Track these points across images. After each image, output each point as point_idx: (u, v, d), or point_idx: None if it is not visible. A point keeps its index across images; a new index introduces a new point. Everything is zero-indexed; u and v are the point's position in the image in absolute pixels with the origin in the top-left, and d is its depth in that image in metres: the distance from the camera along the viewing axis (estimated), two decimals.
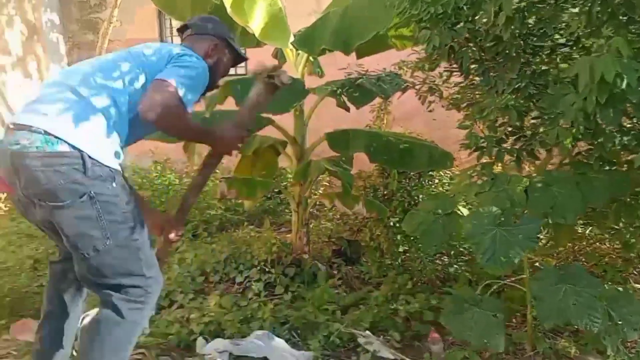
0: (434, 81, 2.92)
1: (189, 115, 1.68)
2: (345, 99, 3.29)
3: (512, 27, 1.79)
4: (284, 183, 4.40)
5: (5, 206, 4.61)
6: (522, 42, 1.88)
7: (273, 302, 2.68)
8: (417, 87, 2.91)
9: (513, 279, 2.28)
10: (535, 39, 1.87)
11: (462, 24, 1.93)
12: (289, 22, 2.86)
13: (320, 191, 4.47)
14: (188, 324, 2.39)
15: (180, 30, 2.03)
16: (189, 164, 4.75)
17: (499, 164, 2.22)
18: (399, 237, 3.54)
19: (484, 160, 2.12)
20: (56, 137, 1.47)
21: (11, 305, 2.79)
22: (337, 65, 3.31)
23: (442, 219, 1.90)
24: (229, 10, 2.69)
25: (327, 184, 4.73)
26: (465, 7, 1.89)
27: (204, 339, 2.28)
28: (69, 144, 1.47)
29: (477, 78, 2.18)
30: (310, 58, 3.12)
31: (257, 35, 2.80)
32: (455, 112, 2.65)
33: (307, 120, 3.17)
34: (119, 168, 1.61)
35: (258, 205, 4.41)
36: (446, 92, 2.91)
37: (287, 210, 4.75)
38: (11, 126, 1.54)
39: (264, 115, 2.81)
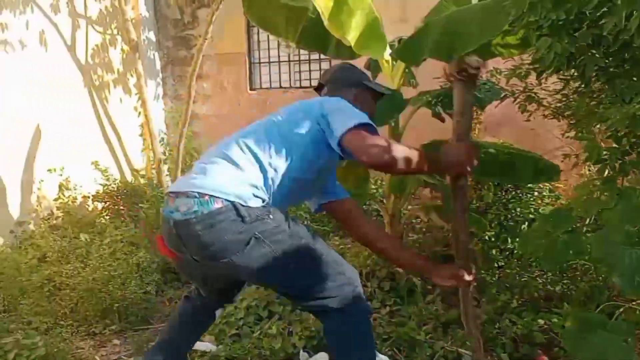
0: (532, 89, 2.80)
1: (392, 144, 1.65)
2: (441, 109, 3.22)
3: None
4: (375, 193, 4.36)
5: (107, 215, 4.91)
6: None
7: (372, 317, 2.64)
8: (515, 95, 2.81)
9: (637, 301, 2.11)
10: None
11: (585, 29, 1.81)
12: None
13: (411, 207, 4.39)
14: (290, 336, 2.40)
15: (318, 89, 2.05)
16: None
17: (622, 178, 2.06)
18: (494, 251, 3.41)
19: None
20: (209, 196, 1.54)
21: (120, 311, 2.94)
22: (432, 74, 3.25)
23: (563, 238, 1.79)
24: (326, 23, 2.72)
25: (417, 198, 4.64)
26: (588, 12, 1.78)
27: (306, 353, 2.28)
28: (220, 199, 1.54)
29: (597, 86, 2.05)
30: (406, 69, 3.08)
31: (353, 46, 2.79)
32: (548, 122, 2.51)
33: (402, 131, 3.13)
34: (270, 203, 1.65)
35: None
36: (546, 100, 2.79)
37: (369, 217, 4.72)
38: (171, 195, 1.64)
39: None
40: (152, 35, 6.48)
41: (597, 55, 1.88)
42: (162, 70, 6.62)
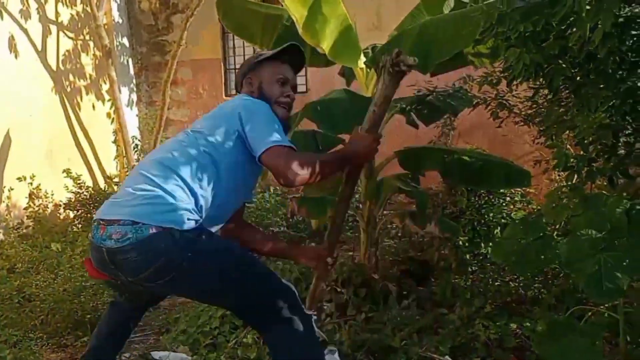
0: (504, 96, 2.86)
1: (312, 157, 1.73)
2: (415, 116, 3.26)
3: (609, 44, 1.71)
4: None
5: (79, 223, 4.82)
6: (618, 58, 1.79)
7: (347, 323, 2.65)
8: (487, 102, 2.86)
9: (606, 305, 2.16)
10: (634, 54, 1.78)
11: (552, 40, 1.86)
12: None
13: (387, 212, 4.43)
14: (265, 345, 2.39)
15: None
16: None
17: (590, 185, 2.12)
18: (468, 256, 3.45)
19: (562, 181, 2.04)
20: (142, 224, 1.56)
21: (92, 322, 2.88)
22: (406, 82, 3.28)
23: (535, 245, 1.83)
24: (300, 31, 2.73)
25: (393, 203, 4.68)
26: (554, 24, 1.83)
27: None
28: (154, 225, 1.56)
29: (565, 95, 2.10)
30: None
31: (327, 54, 2.81)
32: (519, 129, 2.56)
33: None
34: (202, 225, 1.68)
35: None
36: (517, 107, 2.85)
37: (347, 227, 4.73)
38: (102, 222, 1.63)
39: (335, 135, 2.82)
40: (125, 41, 6.41)
41: (564, 65, 1.93)
42: (136, 76, 6.56)
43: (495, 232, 3.41)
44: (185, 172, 1.66)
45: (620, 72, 1.85)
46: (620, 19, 1.72)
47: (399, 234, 4.19)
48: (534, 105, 2.67)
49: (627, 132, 2.00)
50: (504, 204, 3.58)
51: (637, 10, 1.77)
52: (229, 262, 1.68)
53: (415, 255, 3.59)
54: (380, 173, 3.20)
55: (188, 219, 1.61)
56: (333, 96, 2.76)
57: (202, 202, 1.67)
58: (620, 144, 2.02)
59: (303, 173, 1.62)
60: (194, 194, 1.65)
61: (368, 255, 3.15)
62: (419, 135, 3.84)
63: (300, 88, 6.18)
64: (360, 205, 3.24)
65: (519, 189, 3.71)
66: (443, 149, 3.40)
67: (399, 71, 1.72)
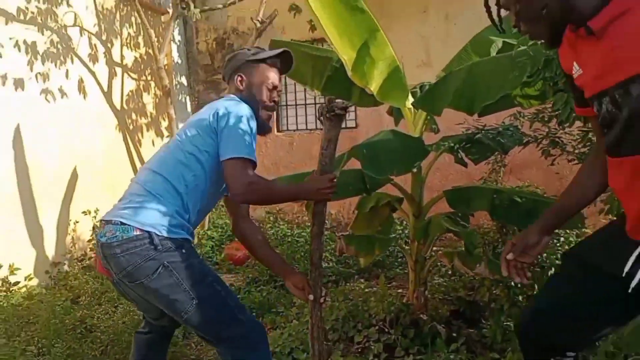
0: (556, 134, 2.80)
1: (267, 183, 1.89)
2: (463, 154, 3.25)
3: None
4: (397, 236, 4.36)
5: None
6: None
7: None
8: (538, 140, 2.82)
9: None
10: None
11: None
12: None
13: (437, 248, 4.38)
14: None
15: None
16: (305, 213, 4.89)
17: None
18: (520, 297, 3.35)
19: None
20: (128, 225, 1.75)
21: None
22: (454, 120, 3.29)
23: None
24: (349, 73, 2.82)
25: (444, 239, 4.62)
26: None
27: None
28: (138, 228, 1.74)
29: None
30: (428, 116, 3.13)
31: (375, 95, 2.88)
32: (573, 166, 2.49)
33: (424, 177, 3.16)
34: (186, 236, 1.83)
35: None
36: (570, 144, 2.78)
37: (396, 263, 4.71)
38: (103, 221, 1.85)
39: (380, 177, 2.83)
40: (184, 80, 6.74)
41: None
42: (193, 112, 6.85)
43: (549, 272, 3.31)
44: (172, 175, 1.82)
45: None
46: None
47: (449, 272, 4.13)
48: (588, 143, 2.61)
49: None
50: (558, 245, 3.47)
51: None
52: (200, 285, 1.77)
53: (465, 295, 3.52)
54: (431, 210, 3.19)
55: (171, 225, 1.77)
56: (380, 137, 2.81)
57: (189, 203, 1.83)
58: None
59: (251, 192, 1.78)
60: (180, 195, 1.81)
61: (417, 295, 3.13)
62: (470, 172, 3.81)
63: (350, 123, 6.28)
64: (409, 243, 3.23)
65: (575, 229, 3.59)
66: (492, 188, 3.36)
67: (334, 115, 1.89)
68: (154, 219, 1.76)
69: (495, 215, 2.91)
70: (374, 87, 2.88)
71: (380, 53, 2.90)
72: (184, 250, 1.78)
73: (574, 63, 1.38)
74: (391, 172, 2.55)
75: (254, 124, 1.87)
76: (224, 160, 1.78)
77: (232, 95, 1.99)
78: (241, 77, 2.00)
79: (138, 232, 1.73)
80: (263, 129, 2.03)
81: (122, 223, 1.76)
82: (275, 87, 2.03)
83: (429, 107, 2.78)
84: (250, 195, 1.79)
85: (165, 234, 1.75)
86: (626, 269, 1.33)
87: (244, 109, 1.87)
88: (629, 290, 1.32)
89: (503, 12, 1.46)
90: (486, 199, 2.90)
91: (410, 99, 3.01)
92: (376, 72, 2.89)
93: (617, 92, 1.25)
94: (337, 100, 1.91)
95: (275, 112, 2.16)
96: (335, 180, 1.94)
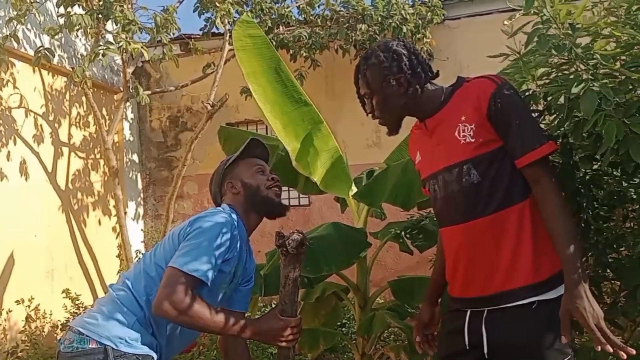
0: None
1: (201, 309, 1.61)
2: (409, 242, 3.25)
3: (578, 199, 1.74)
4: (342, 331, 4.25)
5: None
6: (590, 211, 1.81)
7: None
8: None
9: None
10: (606, 208, 1.79)
11: None
12: (349, 154, 2.90)
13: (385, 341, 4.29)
14: None
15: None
16: None
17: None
18: None
19: None
20: (86, 336, 1.66)
21: None
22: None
23: None
24: (294, 163, 2.84)
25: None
26: None
27: None
28: (95, 340, 1.65)
29: None
30: None
31: (319, 185, 2.90)
32: None
33: (370, 267, 3.12)
34: (147, 352, 1.68)
35: None
36: None
37: (345, 357, 4.57)
38: (68, 326, 1.78)
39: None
40: (135, 157, 6.66)
41: None
42: (144, 190, 6.74)
43: None
44: (136, 287, 1.73)
45: (595, 224, 1.85)
46: (587, 177, 1.76)
47: None
48: None
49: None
50: None
51: None
52: None
53: None
54: (376, 302, 3.14)
55: (130, 339, 1.66)
56: (319, 232, 2.76)
57: (151, 318, 1.70)
58: (606, 292, 1.98)
59: (169, 310, 1.57)
60: (141, 307, 1.70)
61: None
62: (419, 261, 3.75)
63: (303, 201, 6.28)
64: (355, 338, 3.15)
65: None
66: None
67: (290, 255, 1.64)
68: (114, 330, 1.66)
69: (443, 308, 2.87)
70: (317, 177, 2.90)
71: (324, 144, 2.95)
72: None
73: (417, 152, 1.82)
74: (330, 270, 2.51)
75: (228, 236, 1.68)
76: (169, 265, 1.62)
77: (225, 205, 1.86)
78: (230, 183, 1.91)
79: (94, 345, 1.64)
80: (275, 208, 1.90)
81: (80, 333, 1.67)
82: (264, 169, 1.94)
83: (369, 200, 2.80)
84: (168, 312, 1.58)
85: (122, 349, 1.64)
86: (466, 340, 1.60)
87: (222, 217, 1.71)
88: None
89: None
90: None
91: (354, 189, 3.02)
92: (319, 163, 2.92)
93: (438, 177, 1.66)
94: (293, 235, 1.62)
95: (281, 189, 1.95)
96: (297, 327, 1.71)
